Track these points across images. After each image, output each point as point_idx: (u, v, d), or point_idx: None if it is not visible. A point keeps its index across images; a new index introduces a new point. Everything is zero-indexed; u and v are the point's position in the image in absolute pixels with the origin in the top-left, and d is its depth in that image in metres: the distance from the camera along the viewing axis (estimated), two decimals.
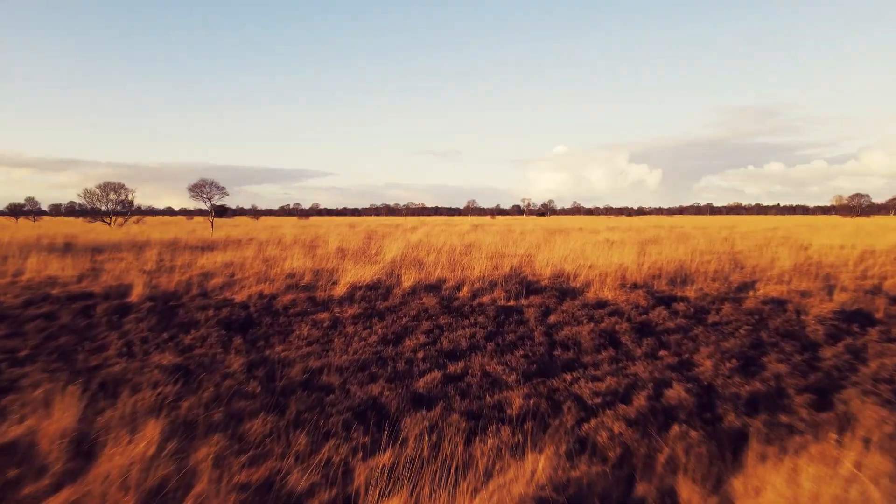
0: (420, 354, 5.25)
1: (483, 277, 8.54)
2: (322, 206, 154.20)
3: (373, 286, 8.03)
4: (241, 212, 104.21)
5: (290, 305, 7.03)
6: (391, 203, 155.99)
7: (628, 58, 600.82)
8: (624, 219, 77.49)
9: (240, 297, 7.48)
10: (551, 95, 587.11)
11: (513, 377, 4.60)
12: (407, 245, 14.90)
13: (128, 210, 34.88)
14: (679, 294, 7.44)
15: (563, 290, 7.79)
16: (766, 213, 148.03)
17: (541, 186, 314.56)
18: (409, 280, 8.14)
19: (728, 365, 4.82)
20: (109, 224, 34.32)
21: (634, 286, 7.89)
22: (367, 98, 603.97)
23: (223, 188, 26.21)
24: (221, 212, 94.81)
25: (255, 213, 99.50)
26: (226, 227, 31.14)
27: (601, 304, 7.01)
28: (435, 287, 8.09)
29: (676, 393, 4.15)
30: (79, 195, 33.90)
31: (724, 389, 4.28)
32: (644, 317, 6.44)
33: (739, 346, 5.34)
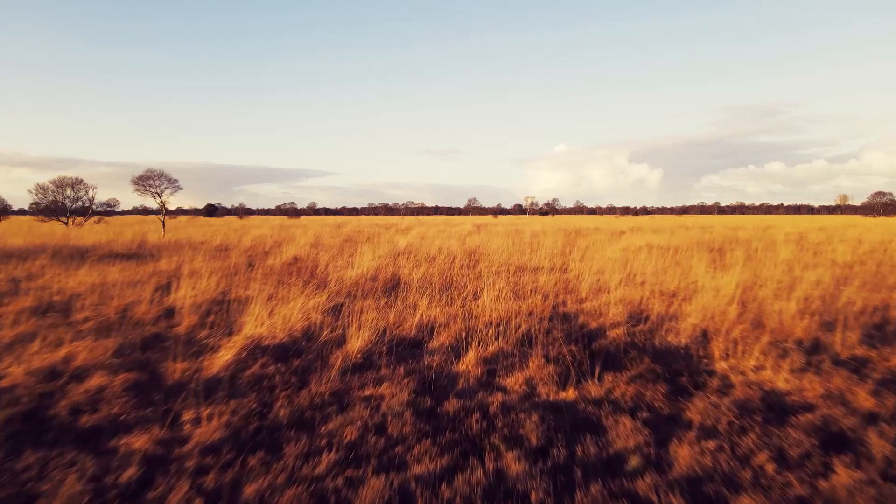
0: None
1: (501, 321, 4.72)
2: (321, 206, 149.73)
3: (288, 347, 4.18)
4: (233, 211, 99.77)
5: (89, 404, 3.20)
6: (391, 202, 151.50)
7: (629, 57, 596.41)
8: (632, 218, 73.15)
9: (16, 373, 3.65)
10: (552, 95, 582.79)
11: None
12: (391, 252, 11.06)
13: (88, 209, 30.88)
14: None
15: (663, 355, 3.96)
16: (774, 213, 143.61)
17: (541, 185, 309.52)
18: (362, 333, 4.28)
19: None
20: (67, 224, 30.44)
21: (803, 347, 4.04)
22: (366, 98, 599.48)
23: (176, 181, 22.06)
24: (211, 211, 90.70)
25: (243, 212, 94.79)
26: (191, 228, 27.25)
27: (775, 404, 3.18)
28: (412, 346, 4.27)
29: None
30: (30, 191, 29.73)
31: None
32: None
33: None
